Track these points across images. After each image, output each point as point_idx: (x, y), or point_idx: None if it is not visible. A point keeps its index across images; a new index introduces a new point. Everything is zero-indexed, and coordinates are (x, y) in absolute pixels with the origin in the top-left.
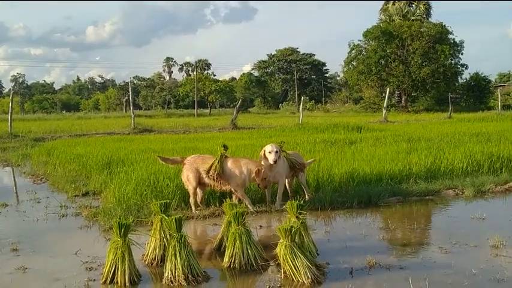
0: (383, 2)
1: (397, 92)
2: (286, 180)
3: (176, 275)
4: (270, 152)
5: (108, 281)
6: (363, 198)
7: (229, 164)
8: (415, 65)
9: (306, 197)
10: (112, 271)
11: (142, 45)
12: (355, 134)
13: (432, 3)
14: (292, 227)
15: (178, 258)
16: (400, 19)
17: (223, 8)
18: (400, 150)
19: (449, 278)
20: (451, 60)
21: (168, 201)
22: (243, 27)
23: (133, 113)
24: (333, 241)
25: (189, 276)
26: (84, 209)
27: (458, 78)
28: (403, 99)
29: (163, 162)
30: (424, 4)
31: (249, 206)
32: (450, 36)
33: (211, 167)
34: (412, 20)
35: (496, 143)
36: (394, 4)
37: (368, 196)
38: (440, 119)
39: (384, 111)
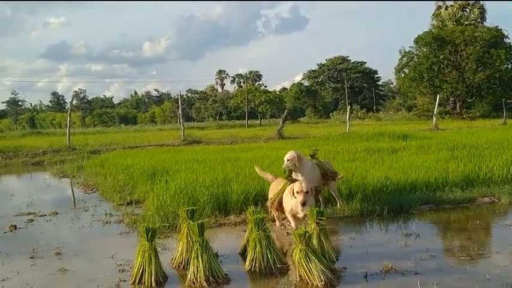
0: (435, 7)
1: (451, 99)
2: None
3: (198, 276)
4: (297, 192)
5: (136, 282)
6: (394, 206)
7: (286, 191)
8: (470, 70)
9: (338, 205)
10: (140, 272)
11: (195, 59)
12: (399, 142)
13: (487, 6)
14: (306, 232)
15: (200, 261)
16: (453, 24)
17: (275, 19)
18: (440, 158)
19: (461, 282)
20: (508, 64)
21: (196, 208)
22: (295, 37)
23: (183, 125)
24: (355, 247)
25: (210, 278)
26: (126, 216)
27: None
28: (457, 105)
29: (259, 173)
30: (478, 8)
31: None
32: (506, 40)
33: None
34: (466, 25)
35: None
36: (446, 9)
37: (399, 204)
38: (495, 126)
39: (434, 119)
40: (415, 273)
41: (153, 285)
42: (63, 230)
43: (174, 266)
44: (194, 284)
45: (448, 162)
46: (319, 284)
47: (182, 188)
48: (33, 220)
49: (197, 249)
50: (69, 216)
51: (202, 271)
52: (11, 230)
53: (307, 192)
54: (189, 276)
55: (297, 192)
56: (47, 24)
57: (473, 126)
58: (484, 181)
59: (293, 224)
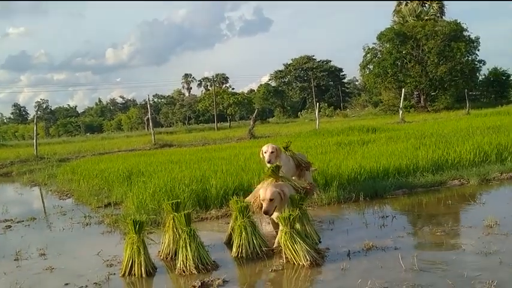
0: (395, 3)
1: (415, 93)
2: (293, 178)
3: (187, 265)
4: (265, 152)
5: (126, 274)
6: (369, 192)
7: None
8: (432, 64)
9: (315, 194)
10: (129, 265)
11: (161, 64)
12: (369, 135)
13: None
14: (290, 215)
15: (189, 249)
16: (414, 19)
17: (239, 21)
18: (409, 146)
19: (439, 254)
20: (468, 57)
21: (179, 200)
22: (259, 39)
23: (153, 130)
24: (335, 230)
25: (199, 265)
26: (106, 217)
27: (477, 74)
28: (422, 99)
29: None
30: (437, 3)
31: None
32: (465, 33)
33: None
34: (426, 20)
35: (506, 134)
36: (407, 5)
37: (374, 190)
38: (459, 116)
39: (401, 112)
40: (395, 249)
41: (143, 276)
42: (43, 233)
43: (161, 257)
44: (184, 272)
45: (418, 150)
46: (305, 264)
47: (161, 186)
48: (11, 226)
49: (185, 238)
50: (48, 220)
51: (191, 259)
52: None
53: (271, 200)
54: (179, 265)
55: (265, 152)
56: (6, 35)
57: (438, 117)
58: (453, 165)
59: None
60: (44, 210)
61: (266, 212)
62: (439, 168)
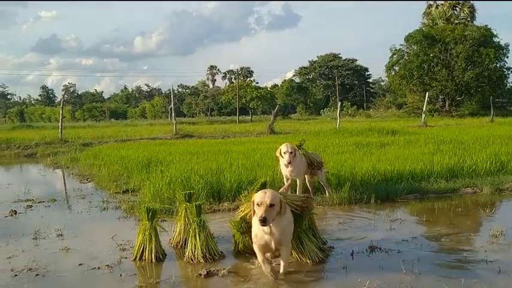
0: (426, 6)
1: (440, 97)
2: (306, 177)
3: (196, 253)
4: (284, 153)
5: (137, 258)
6: (381, 195)
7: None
8: (459, 69)
9: (326, 193)
10: (141, 250)
11: (187, 54)
12: (388, 137)
13: (477, 5)
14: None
15: (197, 239)
16: (444, 23)
17: (267, 15)
18: (426, 151)
19: (440, 259)
20: (496, 63)
21: (192, 191)
22: (287, 34)
23: (175, 120)
24: (343, 230)
25: (207, 254)
26: (123, 203)
27: (505, 82)
28: (447, 103)
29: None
30: (468, 7)
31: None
32: (495, 39)
33: None
34: (456, 24)
35: None
36: (437, 8)
37: (386, 193)
38: (482, 123)
39: (423, 116)
40: (398, 252)
41: (153, 261)
42: (62, 214)
43: (172, 245)
44: (192, 260)
45: (434, 155)
46: (309, 262)
47: (177, 176)
48: (32, 206)
49: (195, 228)
50: (67, 203)
51: (199, 248)
52: (12, 215)
53: (271, 205)
54: (187, 253)
55: (284, 153)
56: (38, 18)
57: (461, 123)
58: (467, 173)
59: (260, 259)
60: (65, 192)
61: (263, 220)
62: (454, 175)
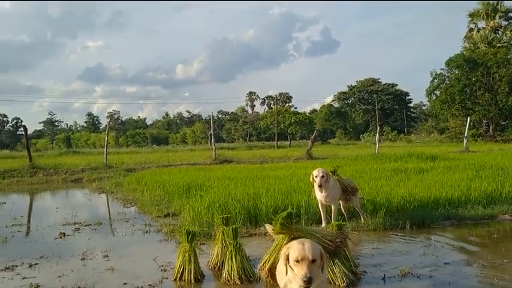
0: (467, 29)
1: (484, 121)
2: (341, 203)
3: (232, 275)
4: (316, 177)
5: (177, 279)
6: (417, 221)
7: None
8: (502, 92)
9: (362, 219)
10: (181, 270)
11: (227, 81)
12: (428, 163)
13: None
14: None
15: (234, 261)
16: (486, 46)
17: (306, 41)
18: (464, 177)
19: (470, 283)
20: None
21: (230, 215)
22: (326, 59)
23: (214, 145)
24: (376, 255)
25: (243, 276)
26: (165, 226)
27: None
28: (490, 128)
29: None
30: (511, 30)
31: None
32: None
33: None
34: (498, 47)
35: None
36: (478, 31)
37: (422, 219)
38: None
39: (465, 141)
40: (430, 277)
41: (192, 281)
42: (107, 237)
43: (210, 267)
44: (229, 281)
45: (472, 181)
46: (341, 285)
47: (216, 201)
48: (79, 229)
49: (231, 250)
50: (112, 226)
51: (235, 270)
52: (61, 237)
53: (313, 261)
54: (224, 275)
55: (315, 177)
56: (86, 48)
57: (505, 148)
58: (506, 199)
59: None
60: (109, 216)
61: (309, 281)
62: (492, 201)
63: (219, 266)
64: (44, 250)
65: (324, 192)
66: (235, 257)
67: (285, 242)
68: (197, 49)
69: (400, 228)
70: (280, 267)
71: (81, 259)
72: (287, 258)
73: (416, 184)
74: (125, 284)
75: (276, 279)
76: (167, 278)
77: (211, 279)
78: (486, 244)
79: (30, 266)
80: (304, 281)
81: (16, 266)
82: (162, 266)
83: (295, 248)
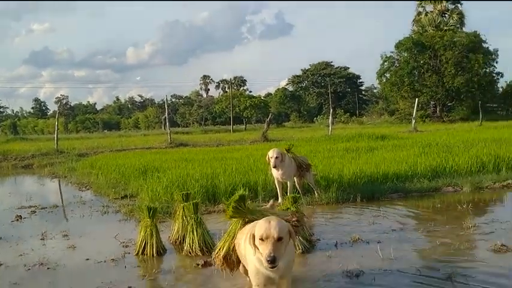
0: (415, 13)
1: (432, 103)
2: (296, 179)
3: (193, 247)
4: (271, 157)
5: (139, 253)
6: (367, 194)
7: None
8: (449, 75)
9: (316, 194)
10: (143, 245)
11: (180, 64)
12: (377, 142)
13: (465, 5)
14: (288, 208)
15: (195, 234)
16: (433, 29)
17: (260, 24)
18: (411, 154)
19: (415, 248)
20: (486, 69)
21: (189, 192)
22: (280, 43)
23: (169, 129)
24: (329, 225)
25: (204, 248)
26: (123, 207)
27: (495, 87)
28: (438, 109)
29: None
30: (457, 14)
31: None
32: (484, 45)
33: None
34: (445, 30)
35: (507, 146)
36: (426, 15)
37: (371, 193)
38: (471, 128)
39: (413, 121)
40: (378, 242)
41: (155, 255)
42: (65, 219)
43: (171, 241)
44: (190, 253)
45: (419, 157)
46: (297, 251)
47: (174, 181)
48: (35, 212)
49: (192, 224)
50: (69, 208)
51: (197, 242)
52: (18, 220)
53: (279, 239)
54: (186, 247)
55: (270, 158)
56: (31, 31)
57: (451, 128)
58: (450, 173)
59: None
60: (65, 199)
61: (273, 261)
62: (437, 175)
63: (180, 241)
64: (2, 232)
65: (280, 171)
66: (197, 231)
67: (239, 227)
68: (148, 32)
69: (351, 201)
70: (248, 248)
71: (41, 239)
72: (253, 237)
73: (367, 161)
74: (88, 259)
75: (232, 267)
76: (129, 253)
77: (172, 252)
78: (430, 213)
79: None
80: (268, 261)
81: None
82: (124, 242)
83: (260, 226)
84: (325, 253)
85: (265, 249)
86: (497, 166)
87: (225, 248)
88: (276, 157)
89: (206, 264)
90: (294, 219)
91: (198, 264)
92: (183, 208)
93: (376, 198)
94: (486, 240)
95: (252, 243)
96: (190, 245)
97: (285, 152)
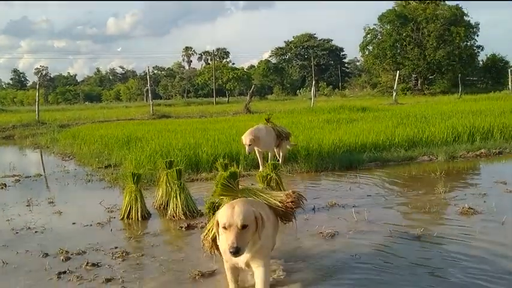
0: None
1: (413, 76)
2: (275, 149)
3: (177, 211)
4: (244, 144)
5: (125, 217)
6: (345, 164)
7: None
8: (430, 47)
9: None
10: (128, 210)
11: (162, 35)
12: (358, 114)
13: None
14: (268, 174)
15: (178, 199)
16: (416, 2)
17: None
18: (390, 125)
19: (388, 210)
20: (467, 42)
21: (172, 159)
22: (263, 15)
23: (151, 101)
24: (308, 192)
25: (187, 212)
26: (107, 175)
27: (476, 60)
28: (419, 82)
29: None
30: None
31: None
32: (466, 18)
33: None
34: (428, 3)
35: (483, 117)
36: None
37: (350, 162)
38: (451, 100)
39: (394, 94)
40: (353, 206)
41: (139, 219)
42: (50, 186)
43: (155, 207)
44: (174, 217)
45: (396, 128)
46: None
47: (157, 150)
48: (19, 180)
49: (176, 190)
50: (53, 177)
51: (180, 207)
52: (2, 188)
53: (244, 227)
54: (170, 212)
55: (224, 228)
56: None
57: (431, 101)
58: (426, 143)
59: (228, 279)
60: (49, 169)
61: (236, 251)
62: (413, 145)
63: (164, 206)
64: None
65: (260, 146)
66: (180, 196)
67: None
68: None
69: (330, 170)
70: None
71: (27, 205)
72: (217, 224)
73: (346, 132)
74: (74, 223)
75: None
76: (115, 218)
77: (157, 217)
78: (405, 180)
79: None
80: (230, 252)
81: None
82: (109, 208)
83: (223, 212)
84: (303, 216)
85: (227, 238)
86: (472, 136)
87: (213, 230)
88: (249, 144)
89: (189, 227)
90: (289, 200)
91: (181, 227)
92: (167, 175)
93: (354, 167)
94: (455, 205)
95: (217, 231)
96: (174, 210)
97: (264, 122)
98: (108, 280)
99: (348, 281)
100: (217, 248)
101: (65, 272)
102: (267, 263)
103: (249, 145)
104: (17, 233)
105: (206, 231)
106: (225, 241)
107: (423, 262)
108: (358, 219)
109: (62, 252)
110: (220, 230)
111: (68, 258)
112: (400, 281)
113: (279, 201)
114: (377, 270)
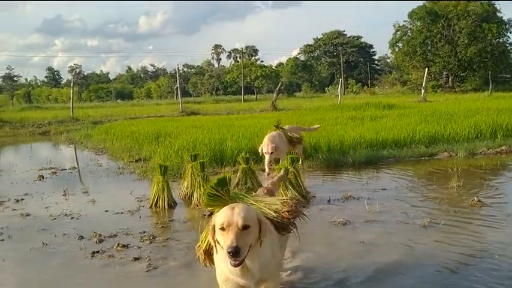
0: None
1: (444, 73)
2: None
3: (201, 200)
4: (265, 153)
5: (153, 206)
6: (365, 159)
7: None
8: (462, 44)
9: (300, 163)
10: (155, 199)
11: (192, 34)
12: (384, 111)
13: None
14: (287, 168)
15: (202, 189)
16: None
17: None
18: (412, 122)
19: (401, 203)
20: (499, 39)
21: (197, 153)
22: (292, 12)
23: (181, 98)
24: (326, 184)
25: None
26: (137, 168)
27: (508, 57)
28: (450, 79)
29: None
30: None
31: None
32: (498, 14)
33: None
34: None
35: (508, 115)
36: None
37: (369, 157)
38: (480, 98)
39: (423, 91)
40: (367, 199)
41: (166, 208)
42: (84, 178)
43: (181, 197)
44: (198, 206)
45: (418, 125)
46: None
47: (184, 145)
48: (56, 172)
49: (199, 181)
50: (87, 170)
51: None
52: (40, 179)
53: (245, 228)
54: (194, 201)
55: (222, 229)
56: None
57: (461, 98)
58: (447, 140)
59: None
60: (83, 162)
61: (235, 252)
62: (434, 142)
63: (189, 196)
64: (27, 189)
65: (279, 154)
66: (204, 186)
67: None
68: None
69: (350, 165)
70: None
71: (63, 195)
72: (213, 229)
73: (368, 128)
74: (106, 211)
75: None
76: (144, 206)
77: (182, 206)
78: (421, 175)
79: (17, 201)
80: (229, 252)
81: (3, 201)
82: (138, 198)
83: (221, 213)
84: (318, 207)
85: (226, 239)
86: (494, 133)
87: (206, 241)
88: (271, 153)
89: (212, 215)
90: (285, 210)
91: (204, 215)
92: (192, 167)
93: (373, 163)
94: (466, 198)
95: (212, 238)
96: (197, 199)
97: (273, 128)
98: (136, 259)
99: (353, 265)
100: (211, 261)
101: (98, 252)
102: (278, 279)
103: (271, 153)
104: (54, 219)
105: (199, 242)
106: (224, 243)
107: (424, 248)
108: (370, 210)
109: (96, 235)
110: (218, 233)
111: (101, 241)
112: (403, 263)
113: (274, 211)
114: (381, 253)
